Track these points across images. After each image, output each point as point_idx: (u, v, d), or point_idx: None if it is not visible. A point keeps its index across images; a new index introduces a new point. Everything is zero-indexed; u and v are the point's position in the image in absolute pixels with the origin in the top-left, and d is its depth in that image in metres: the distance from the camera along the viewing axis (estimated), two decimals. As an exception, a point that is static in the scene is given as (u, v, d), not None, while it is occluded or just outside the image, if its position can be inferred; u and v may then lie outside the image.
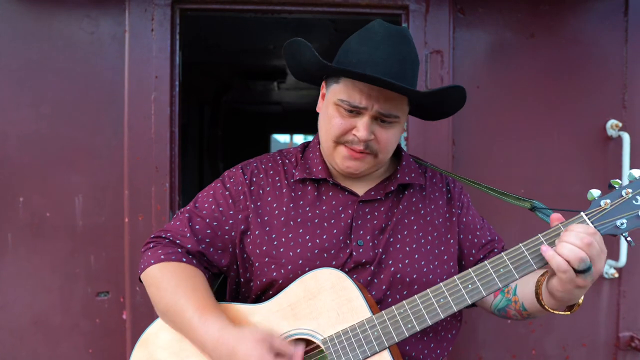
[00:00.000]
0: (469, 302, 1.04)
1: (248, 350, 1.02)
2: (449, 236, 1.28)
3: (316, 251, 1.19)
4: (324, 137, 1.25)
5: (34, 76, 1.88)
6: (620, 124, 1.98)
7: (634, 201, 0.98)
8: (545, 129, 2.01)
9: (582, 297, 1.05)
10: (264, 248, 1.22)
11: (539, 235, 1.03)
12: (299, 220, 1.23)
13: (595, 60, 2.02)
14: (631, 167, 1.96)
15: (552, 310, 1.08)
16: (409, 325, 1.06)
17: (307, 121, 3.98)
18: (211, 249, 1.26)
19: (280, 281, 1.19)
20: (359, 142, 1.18)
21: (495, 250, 1.31)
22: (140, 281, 1.27)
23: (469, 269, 1.06)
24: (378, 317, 1.08)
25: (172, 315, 1.16)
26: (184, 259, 1.23)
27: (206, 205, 1.28)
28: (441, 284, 1.06)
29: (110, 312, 1.92)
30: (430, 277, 1.21)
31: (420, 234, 1.25)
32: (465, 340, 2.02)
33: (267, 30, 3.10)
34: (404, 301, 1.08)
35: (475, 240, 1.31)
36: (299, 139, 7.89)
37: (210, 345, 1.08)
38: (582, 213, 1.01)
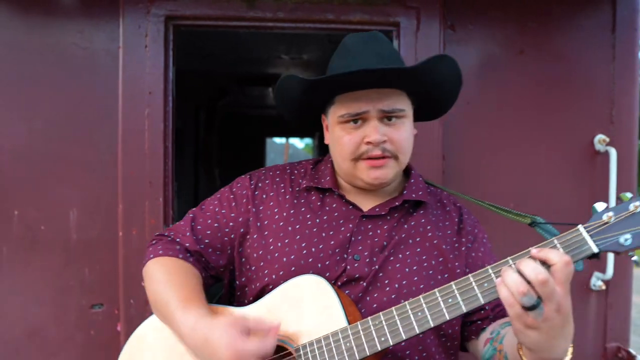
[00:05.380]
0: (447, 317, 0.98)
1: (219, 337, 1.02)
2: (456, 264, 1.22)
3: (310, 260, 1.18)
4: (341, 161, 1.24)
5: (27, 90, 1.90)
6: (607, 139, 2.01)
7: None
8: (534, 144, 2.03)
9: (569, 354, 0.92)
10: (260, 252, 1.23)
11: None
12: (297, 227, 1.23)
13: (583, 76, 2.04)
14: (618, 182, 1.97)
15: None
16: (382, 339, 1.02)
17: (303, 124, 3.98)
18: (209, 250, 1.28)
19: (271, 286, 1.18)
20: (375, 148, 1.17)
21: None
22: None
23: (451, 282, 1.00)
24: (352, 327, 1.05)
25: (160, 307, 1.20)
26: (181, 256, 1.27)
27: (211, 207, 1.32)
28: (420, 296, 1.01)
29: (105, 324, 1.93)
30: None
31: (424, 257, 1.20)
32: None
33: (262, 41, 3.12)
34: (380, 312, 1.04)
35: None
36: (295, 141, 7.91)
37: (186, 334, 1.09)
38: (579, 226, 0.90)
